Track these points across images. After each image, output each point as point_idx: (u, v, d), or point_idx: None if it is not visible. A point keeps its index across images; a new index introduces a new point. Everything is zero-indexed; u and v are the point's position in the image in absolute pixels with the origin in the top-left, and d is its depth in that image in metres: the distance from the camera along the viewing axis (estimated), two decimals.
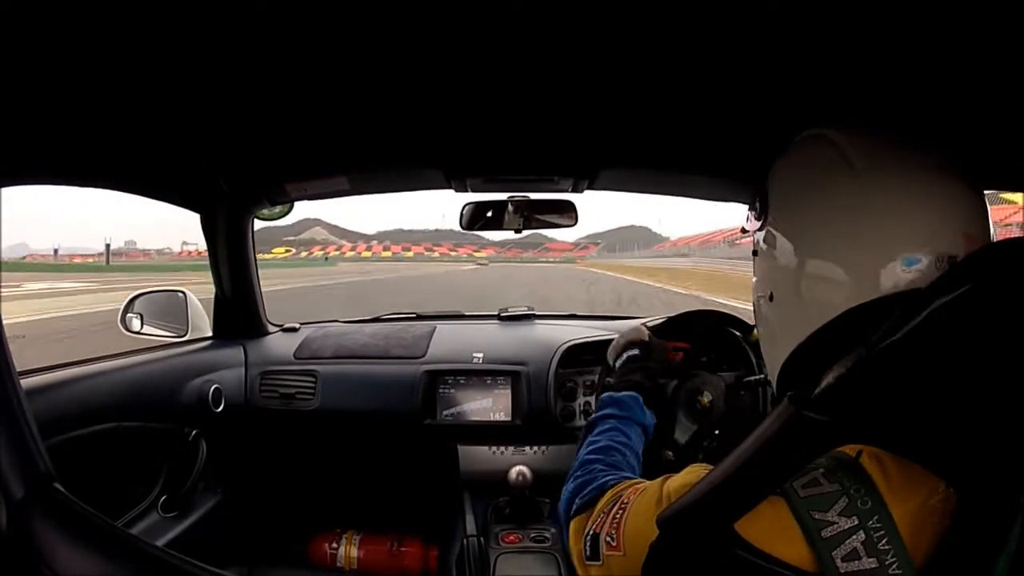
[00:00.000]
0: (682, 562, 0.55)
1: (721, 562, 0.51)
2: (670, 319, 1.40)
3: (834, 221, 0.60)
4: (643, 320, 1.80)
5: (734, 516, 0.50)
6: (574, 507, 0.75)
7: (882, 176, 0.58)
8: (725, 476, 0.50)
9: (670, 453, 1.12)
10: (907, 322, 0.47)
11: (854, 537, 0.46)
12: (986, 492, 0.46)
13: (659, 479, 0.65)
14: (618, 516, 0.64)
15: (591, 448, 0.84)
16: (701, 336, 1.52)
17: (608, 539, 0.64)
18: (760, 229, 0.73)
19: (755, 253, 0.76)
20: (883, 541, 0.45)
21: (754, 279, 0.76)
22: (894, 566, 0.45)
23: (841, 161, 0.61)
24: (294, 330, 1.93)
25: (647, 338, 1.11)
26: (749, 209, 0.77)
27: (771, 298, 0.70)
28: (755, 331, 0.85)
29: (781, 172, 0.70)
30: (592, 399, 1.63)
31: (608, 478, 0.75)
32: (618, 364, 1.10)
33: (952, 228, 0.56)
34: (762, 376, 1.20)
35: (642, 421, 0.92)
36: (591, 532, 0.68)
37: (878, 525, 0.46)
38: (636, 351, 1.09)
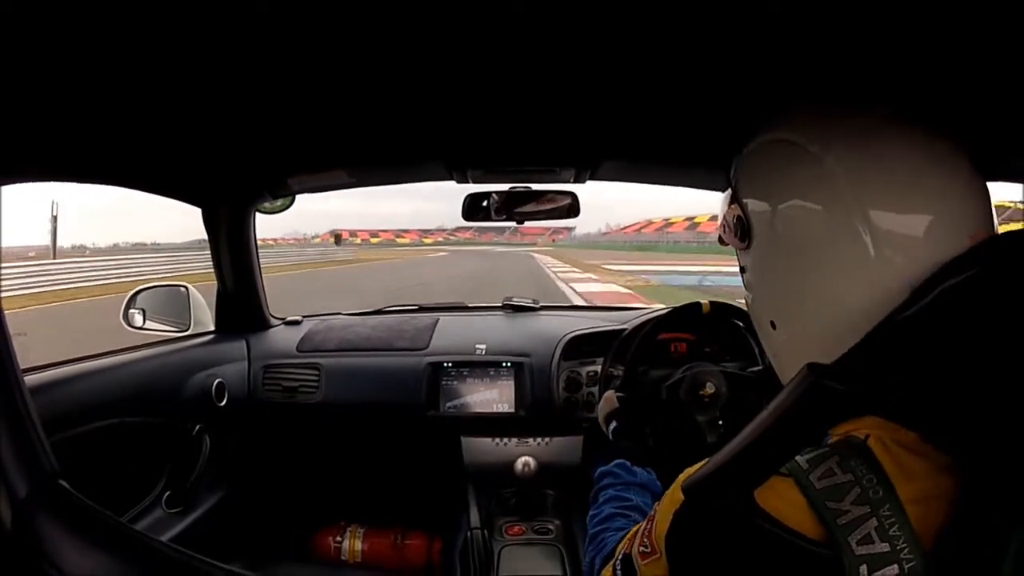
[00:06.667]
0: (704, 529, 0.56)
1: (742, 531, 0.52)
2: (674, 310, 1.40)
3: (837, 237, 0.59)
4: (642, 317, 1.80)
5: (755, 482, 0.51)
6: (596, 569, 0.80)
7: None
8: (746, 442, 0.51)
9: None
10: (918, 300, 0.50)
11: (867, 523, 0.47)
12: (996, 475, 0.47)
13: (675, 482, 0.65)
14: (648, 527, 0.65)
15: (596, 520, 0.91)
16: (704, 327, 1.51)
17: (642, 549, 0.64)
18: (746, 249, 0.72)
19: (743, 270, 0.76)
20: (894, 528, 0.47)
21: (749, 297, 0.76)
22: (905, 551, 0.46)
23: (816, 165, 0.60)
24: (297, 323, 1.92)
25: (618, 404, 1.19)
26: (725, 230, 0.76)
27: (774, 326, 0.69)
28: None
29: (758, 191, 0.69)
30: (595, 390, 1.63)
31: (620, 534, 0.79)
32: (611, 436, 1.18)
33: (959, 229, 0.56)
34: (765, 366, 1.20)
35: (636, 481, 0.99)
36: (620, 556, 0.69)
37: (888, 513, 0.47)
38: (614, 423, 1.17)
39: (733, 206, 0.72)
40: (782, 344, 0.69)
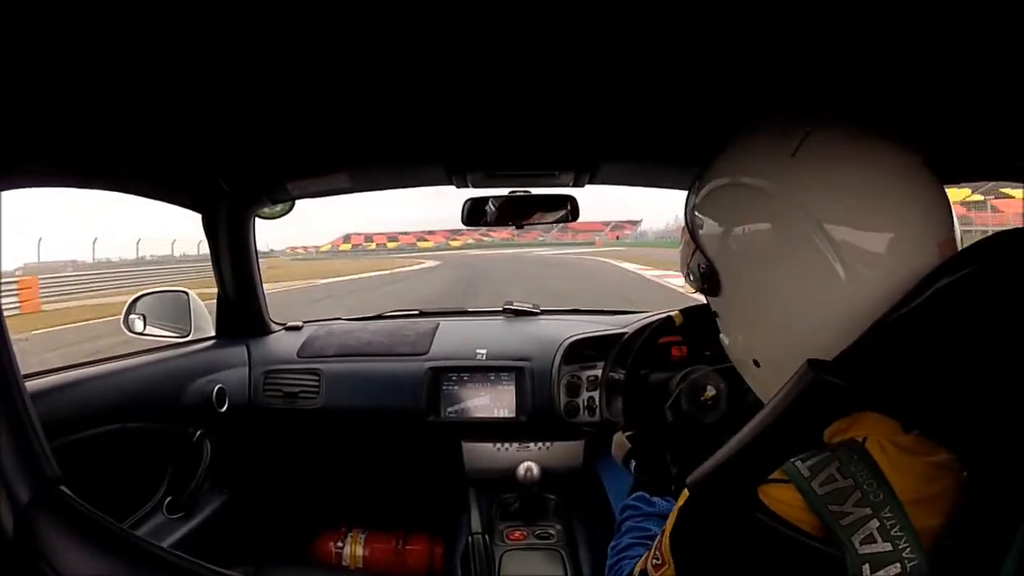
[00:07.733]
0: (708, 524, 0.57)
1: (744, 525, 0.53)
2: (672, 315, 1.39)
3: (808, 266, 0.60)
4: (642, 321, 1.80)
5: (757, 477, 0.52)
6: None
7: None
8: (749, 437, 0.52)
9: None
10: (915, 298, 0.52)
11: (869, 524, 0.48)
12: (996, 471, 0.47)
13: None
14: (659, 541, 0.66)
15: (615, 551, 0.91)
16: (704, 330, 1.51)
17: (654, 562, 0.66)
18: (716, 296, 0.73)
19: (715, 315, 0.76)
20: (895, 528, 0.48)
21: (725, 340, 0.76)
22: (907, 550, 0.47)
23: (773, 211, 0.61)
24: (297, 328, 1.92)
25: (631, 444, 1.20)
26: (691, 278, 0.77)
27: (757, 364, 0.70)
28: None
29: (721, 238, 0.70)
30: (596, 394, 1.63)
31: (636, 560, 0.79)
32: (633, 473, 1.19)
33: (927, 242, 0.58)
34: None
35: (655, 512, 0.99)
36: (639, 572, 0.70)
37: (890, 515, 0.48)
38: (634, 461, 1.17)
39: (696, 254, 0.73)
40: (768, 379, 0.70)
